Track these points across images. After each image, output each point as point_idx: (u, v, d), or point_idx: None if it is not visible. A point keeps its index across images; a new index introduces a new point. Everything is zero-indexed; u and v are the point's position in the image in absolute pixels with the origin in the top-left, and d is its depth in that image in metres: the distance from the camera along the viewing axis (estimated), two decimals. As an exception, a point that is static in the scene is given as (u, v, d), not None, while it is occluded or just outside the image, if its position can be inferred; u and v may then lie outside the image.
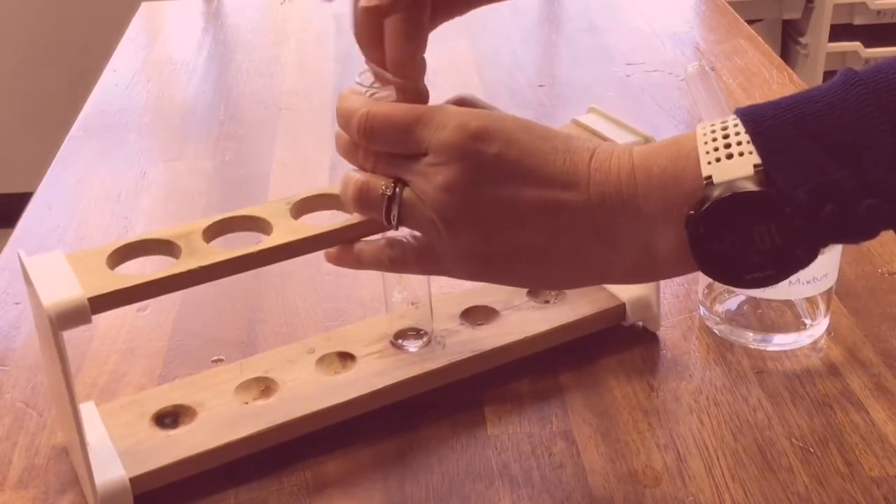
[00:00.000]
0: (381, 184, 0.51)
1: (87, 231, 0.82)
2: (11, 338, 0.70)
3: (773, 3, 2.21)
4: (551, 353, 0.65)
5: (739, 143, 0.46)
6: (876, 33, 2.18)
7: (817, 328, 0.67)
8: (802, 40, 2.21)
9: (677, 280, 0.72)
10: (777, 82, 1.03)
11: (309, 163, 0.91)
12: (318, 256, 0.56)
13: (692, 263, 0.47)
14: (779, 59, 1.10)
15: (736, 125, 0.46)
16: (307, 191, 0.58)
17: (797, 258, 0.46)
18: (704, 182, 0.46)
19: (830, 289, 0.65)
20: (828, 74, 2.19)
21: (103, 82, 1.10)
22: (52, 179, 0.91)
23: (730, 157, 0.46)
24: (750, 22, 1.34)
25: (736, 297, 0.67)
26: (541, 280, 0.54)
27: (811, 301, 0.66)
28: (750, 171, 0.45)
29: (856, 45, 2.17)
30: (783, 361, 0.65)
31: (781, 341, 0.66)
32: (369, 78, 0.54)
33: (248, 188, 0.88)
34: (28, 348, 0.68)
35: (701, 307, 0.69)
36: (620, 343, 0.66)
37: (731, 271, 0.47)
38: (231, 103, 1.05)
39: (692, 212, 0.46)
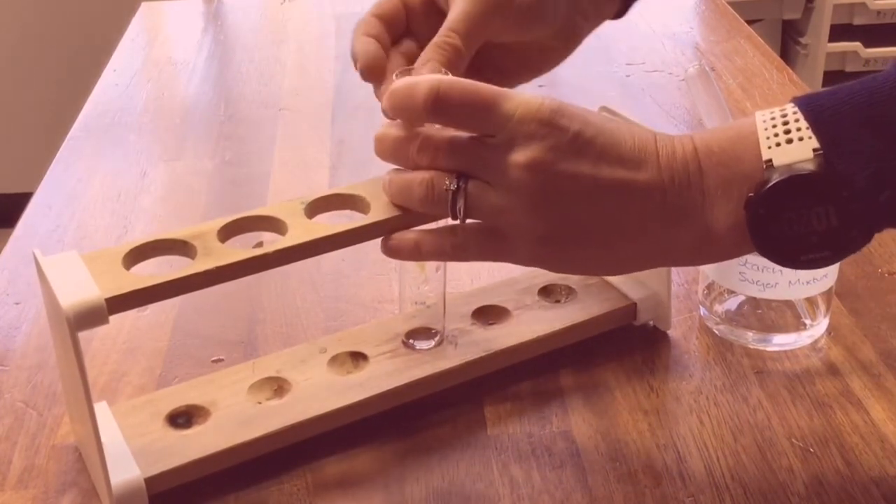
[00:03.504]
0: (443, 179, 0.51)
1: (87, 231, 0.82)
2: (11, 338, 0.69)
3: (773, 3, 2.20)
4: (551, 354, 0.64)
5: (799, 130, 0.47)
6: (876, 33, 2.18)
7: (817, 328, 0.67)
8: (802, 40, 2.21)
9: (677, 280, 0.72)
10: (777, 82, 1.03)
11: (309, 163, 0.91)
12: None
13: (749, 244, 0.49)
14: (779, 59, 1.10)
15: (795, 113, 0.48)
16: (322, 191, 0.58)
17: (853, 240, 0.48)
18: (764, 165, 0.47)
19: (830, 289, 0.65)
20: (828, 74, 2.19)
21: (103, 82, 1.10)
22: (52, 179, 0.90)
23: (789, 142, 0.47)
24: (750, 22, 1.34)
25: (736, 298, 0.67)
26: (605, 263, 0.53)
27: (811, 301, 0.66)
28: (809, 154, 0.47)
29: (856, 45, 2.17)
30: (783, 361, 0.65)
31: (781, 341, 0.66)
32: None
33: (248, 188, 0.88)
34: (28, 348, 0.68)
35: (701, 307, 0.68)
36: (621, 343, 0.66)
37: (788, 252, 0.48)
38: (231, 103, 1.05)
39: (752, 194, 0.47)
